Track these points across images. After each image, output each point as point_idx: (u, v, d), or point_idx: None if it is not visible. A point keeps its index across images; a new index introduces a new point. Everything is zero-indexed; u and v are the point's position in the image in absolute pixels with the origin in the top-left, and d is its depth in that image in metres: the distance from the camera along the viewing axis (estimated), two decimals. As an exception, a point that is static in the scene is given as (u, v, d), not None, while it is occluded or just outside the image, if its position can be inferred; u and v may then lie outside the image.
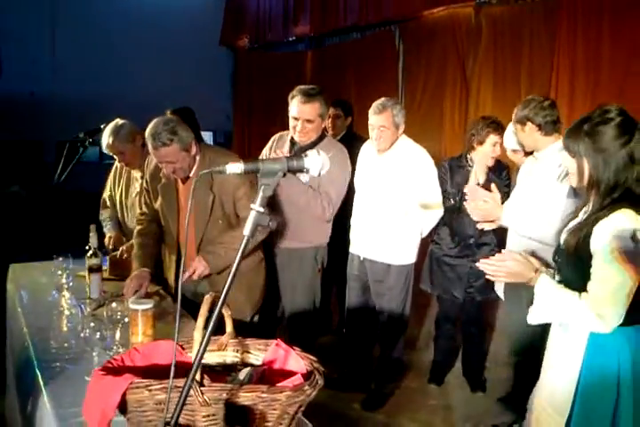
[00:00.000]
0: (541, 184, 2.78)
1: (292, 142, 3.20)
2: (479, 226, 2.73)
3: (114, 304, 2.20)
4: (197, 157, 2.66)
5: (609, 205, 1.77)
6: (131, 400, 1.37)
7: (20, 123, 7.47)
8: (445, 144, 6.79)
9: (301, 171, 1.23)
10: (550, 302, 1.85)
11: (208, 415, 1.34)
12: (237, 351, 1.65)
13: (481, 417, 3.38)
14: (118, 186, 3.51)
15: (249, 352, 1.66)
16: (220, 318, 1.59)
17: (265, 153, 3.37)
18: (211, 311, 1.30)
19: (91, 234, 2.69)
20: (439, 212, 3.34)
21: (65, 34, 8.41)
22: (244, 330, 1.78)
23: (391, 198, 3.30)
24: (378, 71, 7.56)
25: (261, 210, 1.16)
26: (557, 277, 1.94)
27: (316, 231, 3.24)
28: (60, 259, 2.74)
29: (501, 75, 6.19)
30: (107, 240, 3.43)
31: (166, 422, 1.08)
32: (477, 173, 3.41)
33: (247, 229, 1.16)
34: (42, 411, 1.80)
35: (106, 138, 3.18)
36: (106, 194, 3.62)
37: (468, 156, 3.46)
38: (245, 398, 1.34)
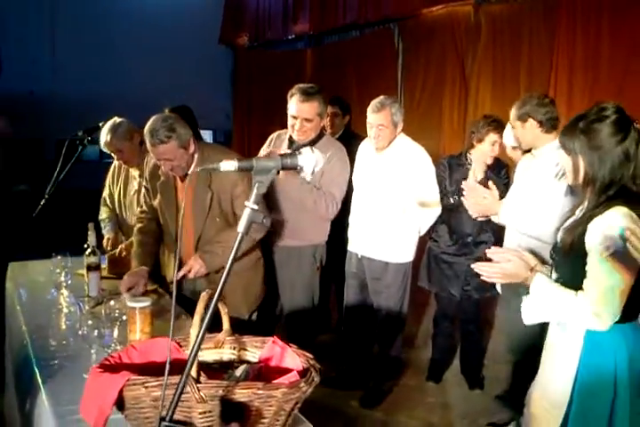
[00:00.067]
0: (539, 182, 2.79)
1: (291, 141, 3.20)
2: (474, 215, 2.75)
3: (112, 302, 2.21)
4: (196, 155, 2.67)
5: (604, 202, 1.78)
6: (128, 397, 1.38)
7: (20, 121, 7.46)
8: (444, 142, 6.81)
9: (295, 168, 1.24)
10: (546, 301, 1.85)
11: (204, 412, 1.35)
12: (234, 349, 1.66)
13: (479, 415, 3.39)
14: (116, 184, 3.52)
15: (246, 350, 1.67)
16: (218, 316, 1.61)
17: (263, 152, 3.37)
18: (207, 309, 1.31)
19: (89, 232, 2.70)
20: (437, 210, 3.35)
21: (65, 33, 8.42)
22: (243, 328, 1.78)
23: (389, 196, 3.30)
24: (377, 69, 7.57)
25: (255, 207, 1.16)
26: (554, 275, 1.94)
27: (315, 229, 3.25)
28: (59, 257, 2.74)
29: (500, 73, 6.20)
30: (105, 242, 3.44)
31: (162, 418, 1.08)
32: (476, 170, 3.42)
33: (241, 227, 1.17)
34: (40, 408, 1.81)
35: (104, 136, 3.19)
36: (105, 193, 3.63)
37: (468, 154, 3.47)
38: (241, 394, 1.34)
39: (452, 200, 3.41)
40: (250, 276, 2.88)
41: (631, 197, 1.76)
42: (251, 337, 1.68)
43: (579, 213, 1.91)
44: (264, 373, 1.55)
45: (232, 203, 2.68)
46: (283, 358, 1.59)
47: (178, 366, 1.30)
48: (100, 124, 3.26)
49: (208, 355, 1.65)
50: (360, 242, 3.45)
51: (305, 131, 3.08)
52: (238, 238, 1.15)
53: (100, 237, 3.12)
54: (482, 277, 1.98)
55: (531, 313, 1.90)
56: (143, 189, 3.00)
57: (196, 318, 1.38)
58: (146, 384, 1.35)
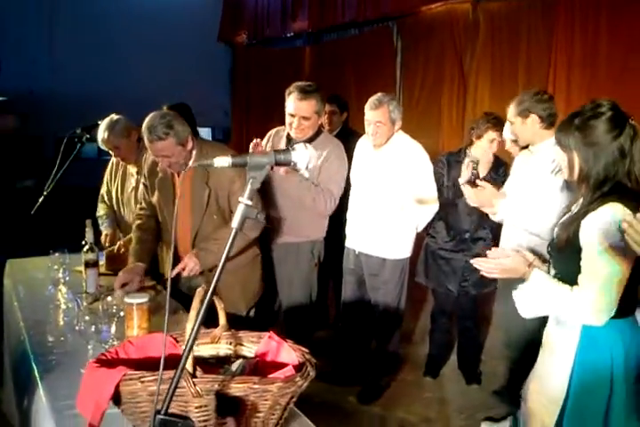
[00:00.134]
0: (536, 178, 2.80)
1: (289, 138, 3.21)
2: (471, 204, 2.76)
3: (109, 298, 2.22)
4: (194, 152, 2.67)
5: (598, 198, 1.79)
6: (124, 392, 1.39)
7: (19, 119, 7.48)
8: (443, 140, 6.81)
9: (288, 164, 1.24)
10: (543, 296, 1.86)
11: (200, 406, 1.36)
12: (230, 344, 1.67)
13: (476, 410, 3.40)
14: (114, 181, 3.53)
15: (242, 345, 1.68)
16: (215, 312, 1.62)
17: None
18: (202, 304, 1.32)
19: (87, 229, 2.71)
20: (434, 207, 3.35)
21: (63, 32, 8.42)
22: (241, 324, 1.79)
23: (387, 193, 3.31)
24: (376, 67, 7.57)
25: (249, 203, 1.17)
26: (552, 271, 1.96)
27: (313, 226, 3.26)
28: (57, 254, 2.75)
29: (499, 71, 6.20)
30: (103, 238, 3.45)
31: (157, 411, 1.09)
32: (479, 167, 3.41)
33: (235, 222, 1.17)
34: (37, 404, 1.82)
35: (101, 133, 3.20)
36: (103, 189, 3.64)
37: (467, 150, 3.48)
38: (237, 389, 1.36)
39: (447, 195, 3.42)
40: (247, 272, 2.89)
41: (626, 194, 1.77)
42: (247, 332, 1.69)
43: (574, 209, 1.92)
44: (260, 367, 1.56)
45: (229, 200, 2.68)
46: (279, 353, 1.60)
47: (174, 361, 1.31)
48: (99, 122, 3.28)
49: (204, 350, 1.66)
50: (358, 238, 3.46)
51: (303, 129, 3.09)
52: (232, 234, 1.16)
53: (97, 233, 3.13)
54: (481, 273, 1.99)
55: (528, 307, 1.91)
56: (141, 186, 3.01)
57: (192, 313, 1.39)
58: (142, 379, 1.36)
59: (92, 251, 2.68)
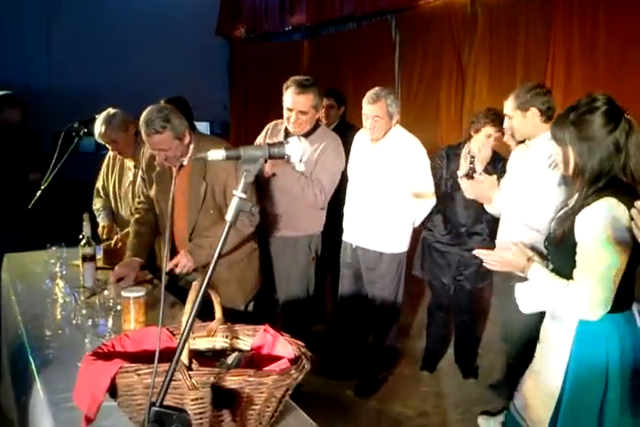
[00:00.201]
0: (533, 172, 2.80)
1: (287, 132, 3.21)
2: (469, 197, 2.76)
3: (106, 292, 2.23)
4: (191, 146, 2.67)
5: (594, 193, 1.79)
6: (120, 385, 1.40)
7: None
8: (441, 134, 6.81)
9: (282, 157, 1.25)
10: (540, 290, 1.87)
11: (196, 399, 1.37)
12: (227, 337, 1.68)
13: (472, 403, 3.41)
14: (111, 176, 3.53)
15: (238, 338, 1.68)
16: (212, 306, 1.62)
17: (259, 142, 3.38)
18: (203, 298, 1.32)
19: (84, 223, 2.71)
20: (431, 201, 3.36)
21: (61, 26, 8.38)
22: (240, 319, 1.79)
23: (384, 187, 3.31)
24: (374, 61, 7.56)
25: (243, 196, 1.17)
26: (549, 266, 1.96)
27: (310, 220, 3.26)
28: (54, 248, 2.75)
29: (497, 64, 6.19)
30: (100, 230, 3.45)
31: (152, 403, 1.10)
32: (476, 161, 3.42)
33: (230, 215, 1.18)
34: (35, 397, 1.83)
35: (98, 127, 3.20)
36: (99, 184, 3.64)
37: (467, 144, 3.48)
38: (233, 381, 1.36)
39: (445, 188, 3.43)
40: (244, 267, 2.89)
41: (621, 188, 1.77)
42: (243, 326, 1.70)
43: (571, 203, 1.92)
44: (256, 360, 1.57)
45: (225, 195, 2.68)
46: (274, 347, 1.61)
47: (170, 355, 1.31)
48: (96, 116, 3.27)
49: (201, 343, 1.67)
50: (355, 232, 3.46)
51: (300, 123, 3.09)
52: (226, 227, 1.16)
53: (95, 227, 3.14)
54: (483, 264, 2.02)
55: (526, 302, 1.92)
56: (139, 180, 3.01)
57: (188, 306, 1.40)
58: (138, 372, 1.37)
59: (90, 245, 2.68)
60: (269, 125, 3.39)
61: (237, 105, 9.94)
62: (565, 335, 1.87)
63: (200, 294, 1.14)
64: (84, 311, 2.12)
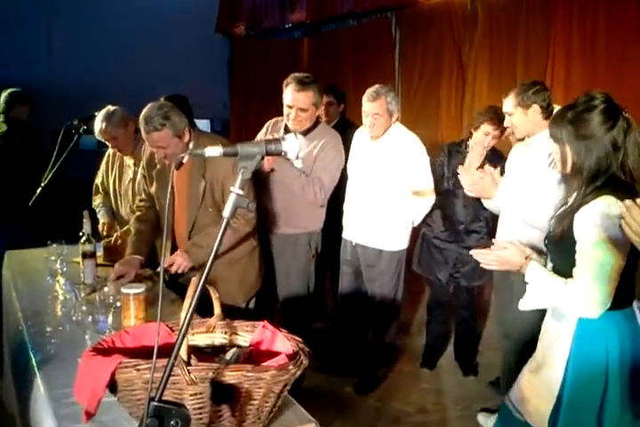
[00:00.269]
0: (532, 171, 2.80)
1: (287, 129, 3.21)
2: (469, 195, 2.76)
3: (106, 289, 2.24)
4: (191, 144, 2.67)
5: (592, 191, 1.79)
6: (120, 380, 1.41)
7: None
8: (442, 131, 6.80)
9: (279, 154, 1.25)
10: (539, 289, 1.88)
11: (195, 394, 1.38)
12: (226, 333, 1.69)
13: (472, 400, 3.43)
14: (111, 173, 3.53)
15: (237, 334, 1.69)
16: (211, 303, 1.63)
17: (259, 138, 3.38)
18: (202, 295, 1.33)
19: (84, 220, 2.72)
20: (431, 199, 3.36)
21: (61, 23, 8.37)
22: (240, 316, 1.79)
23: (383, 185, 3.32)
24: (374, 58, 7.55)
25: (240, 192, 1.18)
26: (549, 264, 1.97)
27: (310, 217, 3.27)
28: (54, 245, 2.76)
29: (497, 62, 6.18)
30: (100, 227, 3.46)
31: (151, 398, 1.11)
32: (471, 158, 3.42)
33: (227, 211, 1.18)
34: (35, 393, 1.84)
35: (98, 123, 3.21)
36: (98, 180, 3.64)
37: (468, 142, 3.49)
38: (231, 376, 1.37)
39: (446, 185, 3.43)
40: (245, 265, 2.89)
41: (619, 186, 1.77)
42: (242, 322, 1.71)
43: (570, 202, 1.93)
44: (254, 356, 1.58)
45: (223, 193, 2.68)
46: (273, 342, 1.62)
47: (169, 350, 1.32)
48: (95, 113, 3.28)
49: (200, 339, 1.68)
50: (354, 230, 3.47)
51: (300, 120, 3.09)
52: (223, 224, 1.17)
53: (95, 224, 3.14)
54: (480, 265, 2.01)
55: (525, 300, 1.93)
56: (140, 177, 3.02)
57: (187, 301, 1.40)
58: (137, 367, 1.38)
59: (90, 242, 2.69)
60: (269, 122, 3.39)
61: (238, 102, 9.93)
62: (565, 333, 1.87)
63: (198, 290, 1.15)
64: (84, 308, 2.13)
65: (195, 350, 1.51)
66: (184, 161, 2.70)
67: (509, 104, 2.83)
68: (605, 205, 1.73)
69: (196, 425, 1.39)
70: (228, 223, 1.15)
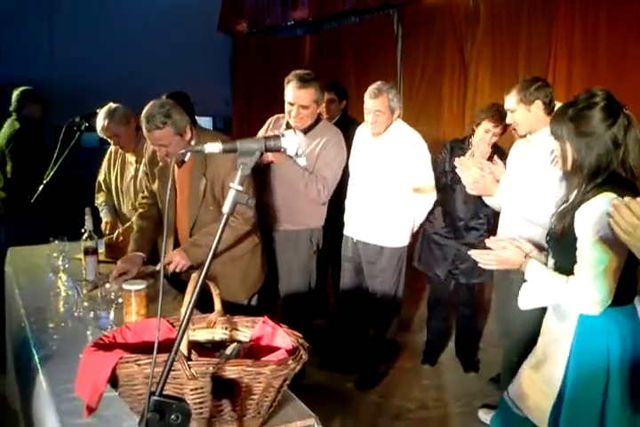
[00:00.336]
0: (534, 168, 2.80)
1: (288, 126, 3.22)
2: (470, 192, 2.76)
3: (108, 285, 2.25)
4: (192, 142, 2.67)
5: (593, 188, 1.79)
6: (121, 375, 1.42)
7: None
8: (444, 128, 6.79)
9: (278, 150, 1.26)
10: (539, 287, 1.88)
11: (196, 389, 1.39)
12: (226, 329, 1.70)
13: (473, 397, 3.43)
14: (113, 170, 3.54)
15: (237, 329, 1.70)
16: (211, 298, 1.64)
17: (260, 135, 3.39)
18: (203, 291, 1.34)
19: (86, 217, 2.73)
20: (432, 196, 3.37)
21: (62, 20, 8.38)
22: (242, 313, 1.80)
23: (385, 181, 3.33)
24: (376, 56, 7.54)
25: (240, 188, 1.19)
26: (551, 261, 1.97)
27: (312, 214, 3.27)
28: (56, 242, 2.77)
29: (499, 59, 6.17)
30: (103, 225, 3.46)
31: (151, 392, 1.12)
32: (476, 156, 3.42)
33: (226, 207, 1.19)
34: (38, 388, 1.85)
35: (100, 121, 3.22)
36: (100, 178, 3.65)
37: (471, 139, 3.49)
38: (231, 371, 1.38)
39: (444, 180, 3.43)
40: (247, 262, 2.90)
41: (620, 183, 1.77)
42: (242, 317, 1.72)
43: (571, 199, 1.93)
44: (255, 351, 1.59)
45: (223, 191, 2.67)
46: (274, 338, 1.63)
47: (170, 346, 1.33)
48: (97, 111, 3.29)
49: (200, 335, 1.69)
50: (355, 226, 3.48)
51: (301, 117, 3.09)
52: (223, 220, 1.18)
53: (97, 221, 3.15)
54: (479, 264, 2.01)
55: (525, 298, 1.93)
56: (142, 174, 3.02)
57: (187, 297, 1.42)
58: (138, 362, 1.39)
59: (92, 239, 2.70)
60: (271, 119, 3.40)
61: (240, 100, 9.93)
62: (566, 330, 1.88)
63: (198, 286, 1.16)
64: (86, 304, 2.15)
65: (195, 346, 1.52)
66: (186, 159, 2.71)
67: (511, 101, 2.82)
68: (606, 202, 1.73)
69: (196, 420, 1.40)
70: (227, 220, 1.16)
